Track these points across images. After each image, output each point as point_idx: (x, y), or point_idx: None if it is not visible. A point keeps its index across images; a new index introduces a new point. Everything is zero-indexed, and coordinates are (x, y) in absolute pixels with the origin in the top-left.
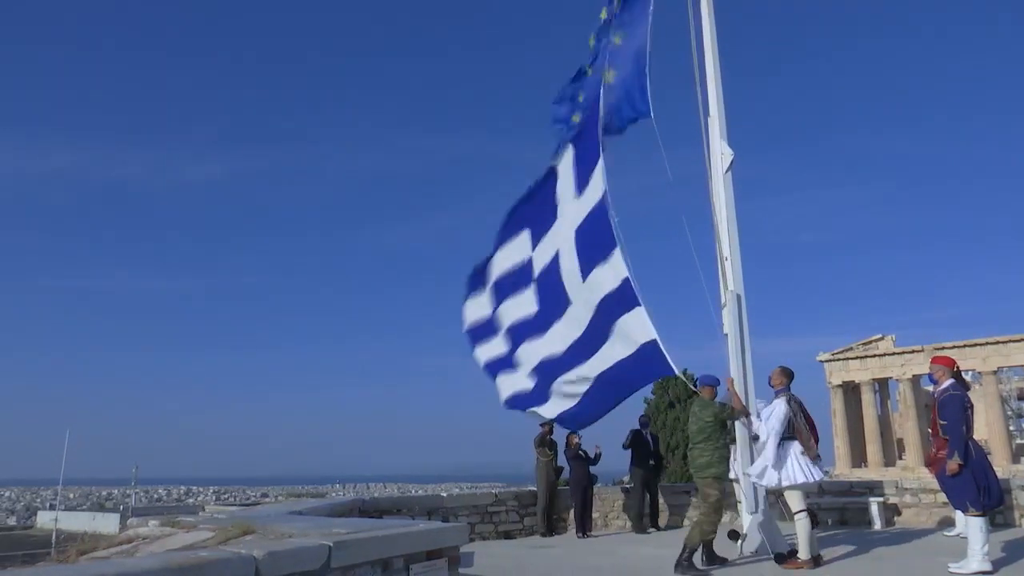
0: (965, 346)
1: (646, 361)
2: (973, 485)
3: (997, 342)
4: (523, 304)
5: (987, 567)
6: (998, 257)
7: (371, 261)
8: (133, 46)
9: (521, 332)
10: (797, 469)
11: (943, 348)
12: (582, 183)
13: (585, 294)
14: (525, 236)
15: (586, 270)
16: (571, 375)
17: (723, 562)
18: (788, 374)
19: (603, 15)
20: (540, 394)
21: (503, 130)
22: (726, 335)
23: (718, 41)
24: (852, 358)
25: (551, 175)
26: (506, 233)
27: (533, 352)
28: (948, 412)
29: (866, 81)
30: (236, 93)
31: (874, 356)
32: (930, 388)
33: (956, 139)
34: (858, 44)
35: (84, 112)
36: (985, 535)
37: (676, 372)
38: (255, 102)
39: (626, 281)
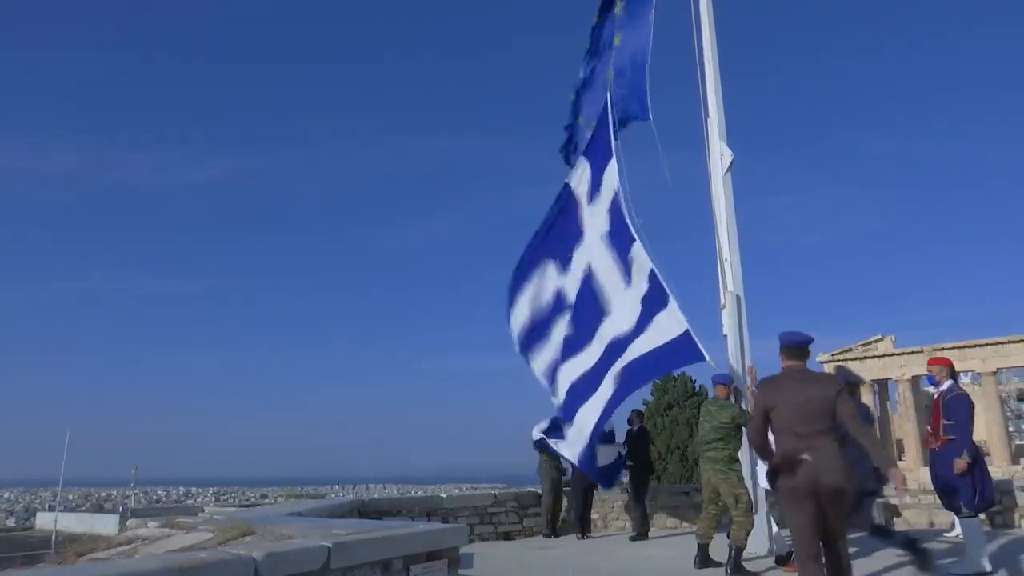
0: (965, 347)
1: (675, 349)
2: (971, 486)
3: (997, 343)
4: (561, 331)
5: (987, 567)
6: (999, 258)
7: (372, 261)
8: (133, 47)
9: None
10: None
11: (943, 349)
12: (595, 188)
13: (630, 297)
14: (552, 268)
15: (626, 276)
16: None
17: (717, 565)
18: None
19: (594, 20)
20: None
21: (503, 131)
22: (726, 336)
23: (718, 41)
24: (851, 359)
25: (568, 196)
26: (526, 273)
27: (566, 374)
28: (955, 412)
29: (867, 81)
30: (236, 94)
31: (874, 357)
32: (930, 389)
33: (957, 140)
34: (859, 44)
35: (84, 113)
36: (981, 535)
37: (707, 359)
38: (255, 103)
39: (652, 274)
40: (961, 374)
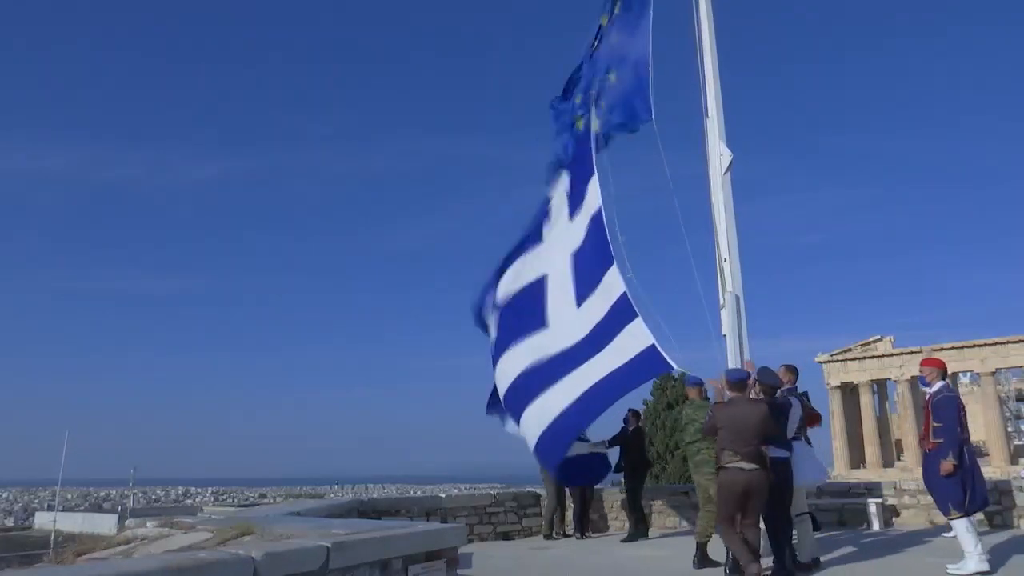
0: (964, 347)
1: (641, 363)
2: (960, 488)
3: (996, 343)
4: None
5: (984, 567)
6: (998, 258)
7: (371, 262)
8: (133, 47)
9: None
10: (808, 470)
11: (942, 349)
12: (576, 203)
13: (579, 319)
14: (508, 274)
15: (582, 296)
16: (551, 392)
17: (716, 565)
18: (795, 372)
19: (603, 20)
20: (518, 411)
21: (503, 131)
22: (725, 336)
23: (718, 42)
24: (851, 359)
25: (544, 205)
26: (497, 275)
27: (507, 368)
28: (943, 414)
29: (866, 82)
30: (236, 93)
31: (873, 357)
32: (925, 390)
33: (956, 140)
34: (859, 44)
35: (84, 113)
36: (975, 535)
37: (675, 368)
38: (255, 102)
39: (623, 296)
40: (960, 374)
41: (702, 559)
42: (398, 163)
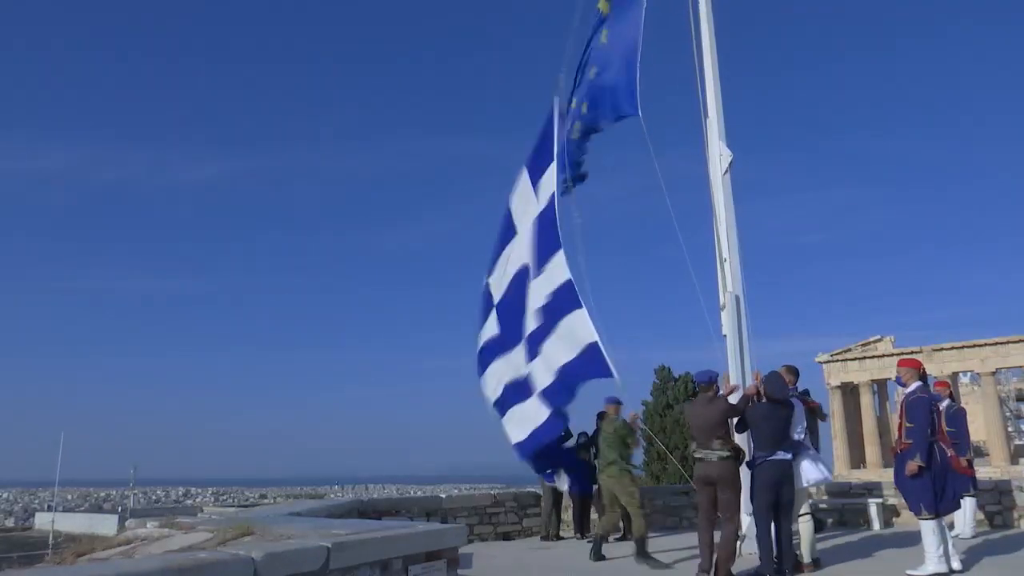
0: (964, 347)
1: (586, 363)
2: (930, 488)
3: (996, 343)
4: (489, 329)
5: (943, 568)
6: (997, 258)
7: (371, 262)
8: (133, 46)
9: (488, 354)
10: (811, 469)
11: (942, 349)
12: (534, 190)
13: (534, 298)
14: (492, 265)
15: (536, 274)
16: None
17: (602, 559)
18: (795, 372)
19: (601, 6)
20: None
21: (503, 131)
22: (725, 336)
23: (717, 41)
24: (851, 359)
25: (507, 206)
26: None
27: (497, 374)
28: (915, 414)
29: (866, 82)
30: (236, 93)
31: (873, 357)
32: (901, 390)
33: (956, 140)
34: (859, 44)
35: (83, 112)
36: (939, 537)
37: (615, 375)
38: (255, 102)
39: (568, 283)
40: (960, 374)
41: (597, 552)
42: (398, 163)
